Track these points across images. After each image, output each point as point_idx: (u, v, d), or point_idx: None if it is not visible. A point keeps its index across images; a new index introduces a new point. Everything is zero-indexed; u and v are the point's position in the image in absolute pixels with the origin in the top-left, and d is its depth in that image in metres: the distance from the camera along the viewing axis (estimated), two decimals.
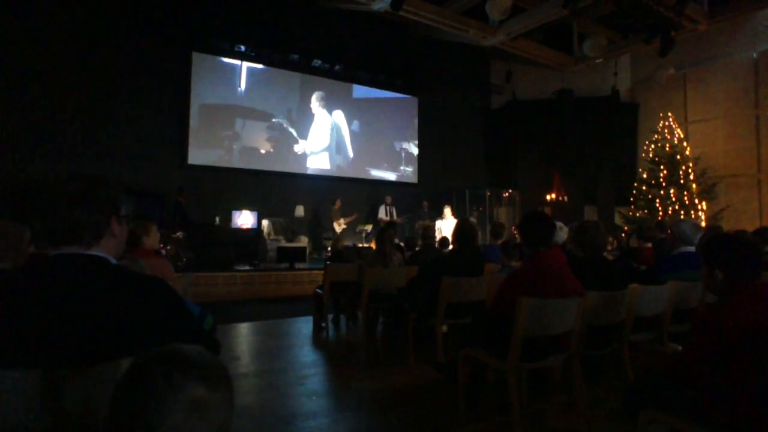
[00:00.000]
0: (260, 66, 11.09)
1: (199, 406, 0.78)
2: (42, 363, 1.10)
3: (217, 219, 9.76)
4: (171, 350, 0.84)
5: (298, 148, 11.56)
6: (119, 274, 1.24)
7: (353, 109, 12.44)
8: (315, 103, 11.79)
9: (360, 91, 12.55)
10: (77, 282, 1.18)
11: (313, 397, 3.29)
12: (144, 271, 2.25)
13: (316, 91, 11.76)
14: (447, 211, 10.41)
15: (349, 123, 12.39)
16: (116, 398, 0.81)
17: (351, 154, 12.34)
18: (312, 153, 11.74)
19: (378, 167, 12.76)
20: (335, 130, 12.11)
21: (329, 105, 11.99)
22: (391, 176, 12.91)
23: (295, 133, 11.51)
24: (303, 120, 11.68)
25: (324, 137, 11.92)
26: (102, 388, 0.83)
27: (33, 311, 1.14)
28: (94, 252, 1.24)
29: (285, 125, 11.39)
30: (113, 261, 1.27)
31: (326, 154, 11.98)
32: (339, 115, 12.19)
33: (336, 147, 12.11)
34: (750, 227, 7.60)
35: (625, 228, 10.54)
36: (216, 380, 0.82)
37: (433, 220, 10.59)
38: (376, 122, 12.76)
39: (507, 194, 13.24)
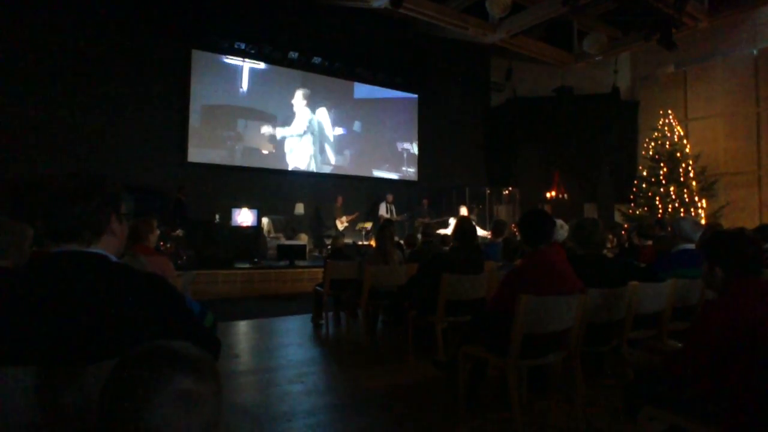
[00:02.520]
0: (261, 65, 11.10)
1: (187, 399, 0.79)
2: (42, 360, 1.10)
3: (217, 217, 9.76)
4: (159, 345, 0.85)
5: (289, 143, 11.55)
6: (119, 272, 1.24)
7: (355, 109, 12.43)
8: (300, 101, 11.60)
9: (361, 91, 12.51)
10: (77, 279, 1.18)
11: (313, 395, 3.29)
12: (145, 269, 2.25)
13: (301, 89, 11.58)
14: (463, 210, 10.24)
15: (351, 123, 12.38)
16: (105, 393, 0.82)
17: (333, 156, 12.13)
18: (291, 150, 11.56)
19: (380, 168, 12.77)
20: (317, 128, 11.91)
21: (316, 103, 11.82)
22: (393, 176, 12.91)
23: (291, 132, 11.52)
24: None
25: (304, 135, 11.73)
26: (101, 386, 0.84)
27: (33, 309, 1.14)
28: (93, 249, 1.24)
29: (284, 125, 11.39)
30: (113, 258, 1.27)
31: (308, 153, 11.77)
32: (322, 113, 11.95)
33: (319, 146, 11.94)
34: (750, 224, 7.60)
35: (625, 225, 10.55)
36: (204, 373, 0.82)
37: (433, 218, 10.58)
38: (378, 123, 12.74)
39: (507, 192, 13.23)
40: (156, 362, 0.80)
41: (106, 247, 1.27)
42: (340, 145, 12.23)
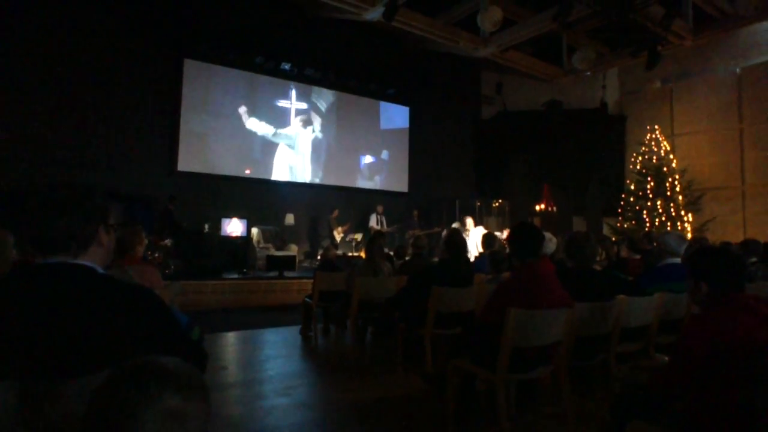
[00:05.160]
0: (304, 106, 11.70)
1: (175, 416, 0.78)
2: (26, 374, 1.08)
3: (206, 226, 9.69)
4: (146, 361, 0.84)
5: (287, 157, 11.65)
6: (106, 284, 1.23)
7: (384, 138, 12.92)
8: (297, 124, 11.82)
9: (387, 121, 13.01)
10: (63, 291, 1.17)
11: (301, 408, 3.26)
12: (132, 280, 2.23)
13: (299, 116, 11.87)
14: (469, 221, 8.90)
15: (379, 152, 12.86)
16: (91, 409, 0.81)
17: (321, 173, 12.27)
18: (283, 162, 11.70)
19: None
20: (317, 148, 12.12)
21: (312, 121, 12.10)
22: (383, 187, 13.07)
23: (289, 143, 11.61)
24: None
25: (295, 148, 11.90)
26: (86, 401, 0.83)
27: (16, 321, 1.12)
28: (81, 261, 1.23)
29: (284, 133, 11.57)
30: (100, 270, 1.26)
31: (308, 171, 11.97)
32: (321, 133, 12.24)
33: (316, 164, 12.08)
34: (735, 239, 7.73)
35: (613, 239, 10.66)
36: (192, 390, 0.82)
37: (423, 230, 10.59)
38: (404, 150, 13.22)
39: (496, 204, 13.31)
40: (144, 379, 0.79)
41: (94, 259, 1.26)
42: (370, 171, 12.79)
